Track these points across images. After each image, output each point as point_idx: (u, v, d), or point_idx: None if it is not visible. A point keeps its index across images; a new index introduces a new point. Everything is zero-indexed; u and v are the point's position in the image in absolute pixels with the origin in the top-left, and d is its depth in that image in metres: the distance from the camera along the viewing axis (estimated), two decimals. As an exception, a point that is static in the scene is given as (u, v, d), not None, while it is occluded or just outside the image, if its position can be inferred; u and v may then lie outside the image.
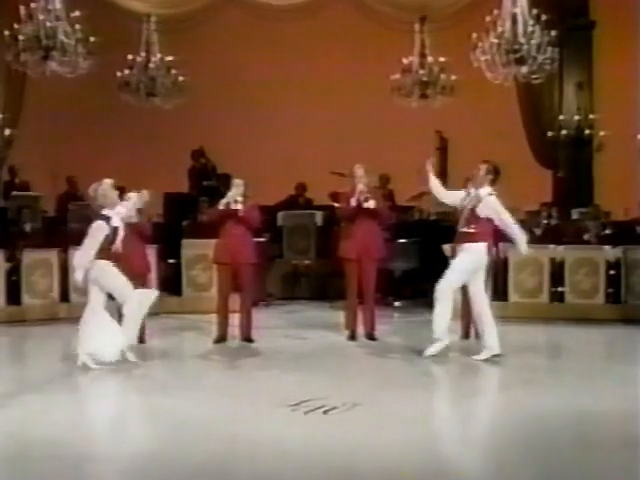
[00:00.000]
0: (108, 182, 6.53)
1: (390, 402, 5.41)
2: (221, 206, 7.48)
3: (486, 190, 6.56)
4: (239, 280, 7.58)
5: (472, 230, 6.47)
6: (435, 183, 6.66)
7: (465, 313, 7.88)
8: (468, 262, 6.51)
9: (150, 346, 7.57)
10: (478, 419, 5.04)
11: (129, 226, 7.44)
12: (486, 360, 6.48)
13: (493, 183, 6.65)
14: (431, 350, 6.60)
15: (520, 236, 6.57)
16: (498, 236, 8.42)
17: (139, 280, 7.53)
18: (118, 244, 6.38)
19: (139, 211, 7.63)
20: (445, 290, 6.51)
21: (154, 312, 8.89)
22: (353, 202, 7.53)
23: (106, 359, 6.19)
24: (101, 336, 6.17)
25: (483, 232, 6.54)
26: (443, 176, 13.49)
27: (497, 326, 6.58)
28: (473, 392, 5.83)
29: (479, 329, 6.73)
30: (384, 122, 13.27)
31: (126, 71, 12.11)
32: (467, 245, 6.50)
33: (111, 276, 6.29)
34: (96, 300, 6.26)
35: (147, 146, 13.52)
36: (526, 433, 4.79)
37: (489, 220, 6.53)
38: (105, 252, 6.27)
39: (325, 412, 5.10)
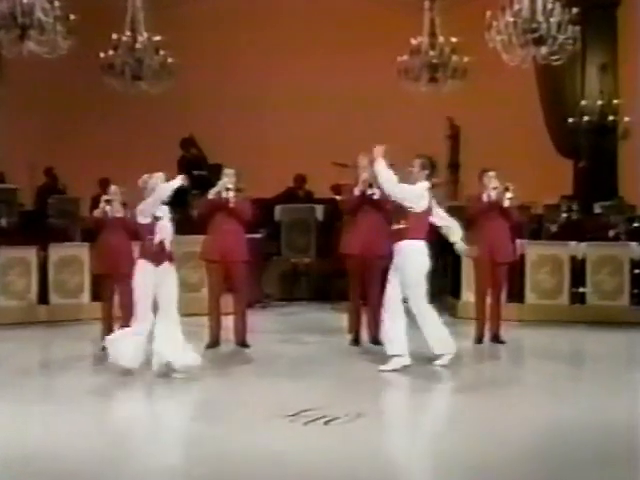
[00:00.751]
0: (160, 176, 6.64)
1: (397, 412, 5.45)
2: (211, 196, 7.50)
3: (423, 185, 6.64)
4: (232, 280, 7.60)
5: (403, 226, 6.51)
6: (385, 171, 6.50)
7: (479, 315, 7.92)
8: (409, 264, 6.52)
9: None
10: (491, 431, 5.06)
11: (114, 220, 7.50)
12: (394, 370, 6.43)
13: (430, 178, 6.70)
14: (388, 366, 6.51)
15: (458, 231, 6.64)
16: (514, 232, 8.48)
17: (123, 279, 7.57)
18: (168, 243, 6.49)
19: (124, 205, 7.67)
20: (392, 301, 6.50)
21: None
22: (356, 191, 7.56)
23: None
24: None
25: (419, 229, 6.58)
26: (455, 167, 13.58)
27: (448, 330, 6.63)
28: (486, 401, 5.85)
29: (382, 334, 6.69)
30: (390, 108, 13.28)
31: (110, 52, 12.09)
32: (404, 243, 6.53)
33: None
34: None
35: (133, 134, 13.54)
36: (542, 447, 4.82)
37: (426, 216, 6.56)
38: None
39: (326, 423, 5.12)
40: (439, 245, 9.29)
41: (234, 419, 5.34)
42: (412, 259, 6.52)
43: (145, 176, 6.62)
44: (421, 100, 12.54)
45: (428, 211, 6.66)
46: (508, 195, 7.72)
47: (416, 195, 6.56)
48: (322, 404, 5.53)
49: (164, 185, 6.40)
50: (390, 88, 12.56)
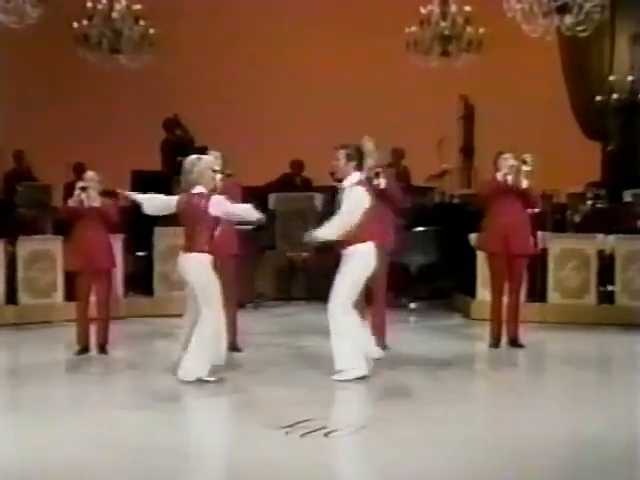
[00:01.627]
0: (209, 160, 6.76)
1: (404, 424, 5.46)
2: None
3: (352, 179, 6.59)
4: (220, 276, 7.61)
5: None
6: (337, 228, 6.54)
7: (495, 316, 7.94)
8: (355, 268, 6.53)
9: (114, 357, 7.62)
10: (508, 445, 5.08)
11: (90, 211, 7.50)
12: (346, 381, 6.42)
13: (359, 168, 6.67)
14: (342, 376, 6.50)
15: (329, 231, 6.52)
16: (536, 225, 8.48)
17: (102, 276, 7.59)
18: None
19: (102, 193, 7.67)
20: (334, 312, 6.50)
21: (119, 315, 9.01)
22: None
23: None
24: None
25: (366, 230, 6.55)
26: (468, 151, 13.59)
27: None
28: (503, 412, 5.87)
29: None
30: (397, 85, 13.28)
31: (84, 22, 12.09)
32: (352, 248, 6.51)
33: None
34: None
35: (111, 113, 13.53)
36: (564, 463, 4.84)
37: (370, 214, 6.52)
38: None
39: (326, 435, 5.14)
40: (448, 238, 9.32)
41: (223, 431, 5.36)
42: (355, 262, 6.53)
43: (193, 157, 6.62)
44: (431, 76, 12.55)
45: (372, 209, 6.60)
46: (525, 168, 7.60)
47: (360, 204, 6.54)
48: (321, 414, 5.55)
49: (248, 211, 6.52)
50: (397, 63, 12.57)
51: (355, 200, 6.52)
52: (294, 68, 13.70)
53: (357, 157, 6.66)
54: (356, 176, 6.63)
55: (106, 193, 7.79)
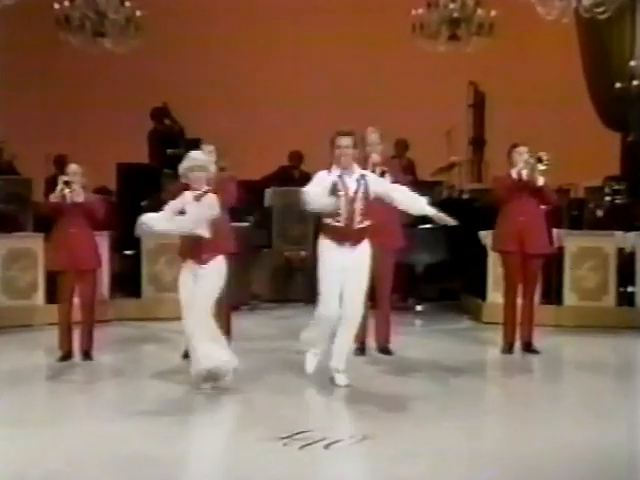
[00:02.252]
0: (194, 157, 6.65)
1: (411, 435, 5.48)
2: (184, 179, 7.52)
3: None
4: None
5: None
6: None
7: (508, 320, 7.96)
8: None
9: (99, 363, 7.64)
10: (522, 458, 5.09)
11: (74, 206, 7.51)
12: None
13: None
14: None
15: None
16: (551, 221, 8.49)
17: (86, 277, 7.60)
18: None
19: (84, 187, 7.68)
20: None
21: (105, 319, 9.03)
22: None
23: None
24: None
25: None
26: (478, 143, 13.61)
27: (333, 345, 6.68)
28: (516, 423, 5.89)
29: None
30: (402, 71, 13.30)
31: (66, 3, 12.09)
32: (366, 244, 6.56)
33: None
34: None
35: (95, 102, 13.54)
36: (583, 477, 4.85)
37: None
38: None
39: (326, 447, 5.15)
40: (457, 235, 9.33)
41: (216, 443, 5.38)
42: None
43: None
44: (439, 62, 12.56)
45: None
46: (541, 167, 7.68)
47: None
48: (321, 425, 5.58)
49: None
50: (403, 47, 12.58)
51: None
52: (292, 53, 13.71)
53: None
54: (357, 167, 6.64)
55: (98, 191, 7.80)
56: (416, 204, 6.58)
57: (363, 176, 6.54)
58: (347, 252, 6.50)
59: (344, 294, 6.54)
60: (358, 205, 6.46)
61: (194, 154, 6.73)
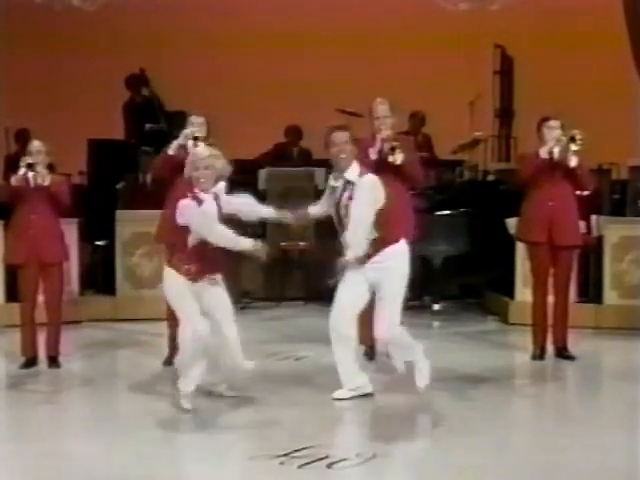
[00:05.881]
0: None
1: (423, 452, 5.51)
2: (171, 151, 7.54)
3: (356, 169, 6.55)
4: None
5: None
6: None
7: (539, 321, 7.99)
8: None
9: (68, 370, 7.67)
10: (552, 478, 5.14)
11: (37, 191, 7.52)
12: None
13: None
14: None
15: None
16: (588, 208, 8.49)
17: (51, 271, 7.63)
18: None
19: (50, 167, 7.70)
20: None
21: (74, 319, 9.06)
22: (373, 154, 7.59)
23: None
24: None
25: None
26: (506, 115, 13.58)
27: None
28: (548, 438, 5.92)
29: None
30: (418, 33, 13.27)
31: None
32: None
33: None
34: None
35: (61, 68, 13.52)
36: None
37: None
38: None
39: (329, 466, 5.20)
40: (481, 223, 9.36)
41: (201, 462, 5.41)
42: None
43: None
44: (461, 22, 12.56)
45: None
46: (573, 147, 7.68)
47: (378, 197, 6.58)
48: (323, 441, 5.62)
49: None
50: (418, 6, 12.57)
51: (369, 195, 6.51)
52: (289, 10, 13.67)
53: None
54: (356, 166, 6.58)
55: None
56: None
57: (349, 182, 6.48)
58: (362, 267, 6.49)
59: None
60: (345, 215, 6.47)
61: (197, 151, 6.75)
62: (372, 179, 6.54)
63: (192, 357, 6.28)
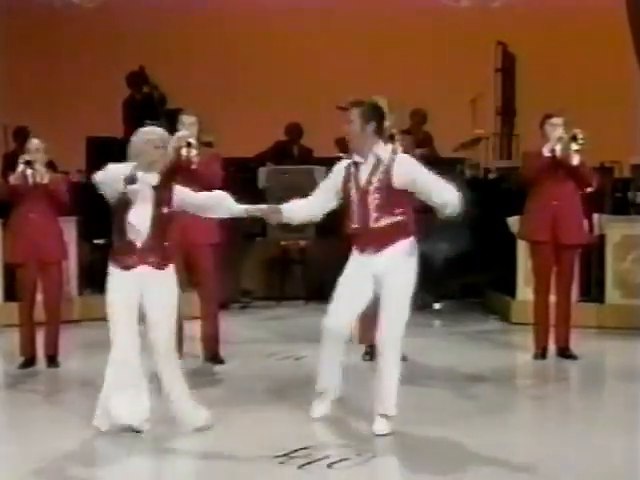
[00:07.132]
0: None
1: (424, 453, 5.52)
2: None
3: (383, 148, 6.05)
4: (195, 271, 7.65)
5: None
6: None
7: (541, 320, 8.00)
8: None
9: (66, 370, 7.70)
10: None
11: (36, 189, 7.53)
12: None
13: (380, 131, 6.10)
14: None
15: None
16: (591, 206, 8.49)
17: (50, 270, 7.64)
18: None
19: (49, 165, 7.71)
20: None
21: (73, 319, 9.07)
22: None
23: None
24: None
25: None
26: (508, 113, 13.59)
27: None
28: (549, 440, 5.92)
29: None
30: (419, 30, 13.28)
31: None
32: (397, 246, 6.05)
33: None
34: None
35: (60, 66, 13.55)
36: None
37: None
38: None
39: (330, 465, 5.20)
40: (482, 222, 9.35)
41: (199, 463, 5.42)
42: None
43: None
44: (462, 18, 12.56)
45: None
46: (574, 146, 7.69)
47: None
48: (324, 440, 5.64)
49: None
50: (419, 2, 12.56)
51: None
52: (289, 9, 13.68)
53: (376, 117, 6.13)
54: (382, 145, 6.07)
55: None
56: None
57: (380, 160, 5.95)
58: (370, 260, 6.05)
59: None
60: (372, 199, 5.94)
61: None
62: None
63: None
